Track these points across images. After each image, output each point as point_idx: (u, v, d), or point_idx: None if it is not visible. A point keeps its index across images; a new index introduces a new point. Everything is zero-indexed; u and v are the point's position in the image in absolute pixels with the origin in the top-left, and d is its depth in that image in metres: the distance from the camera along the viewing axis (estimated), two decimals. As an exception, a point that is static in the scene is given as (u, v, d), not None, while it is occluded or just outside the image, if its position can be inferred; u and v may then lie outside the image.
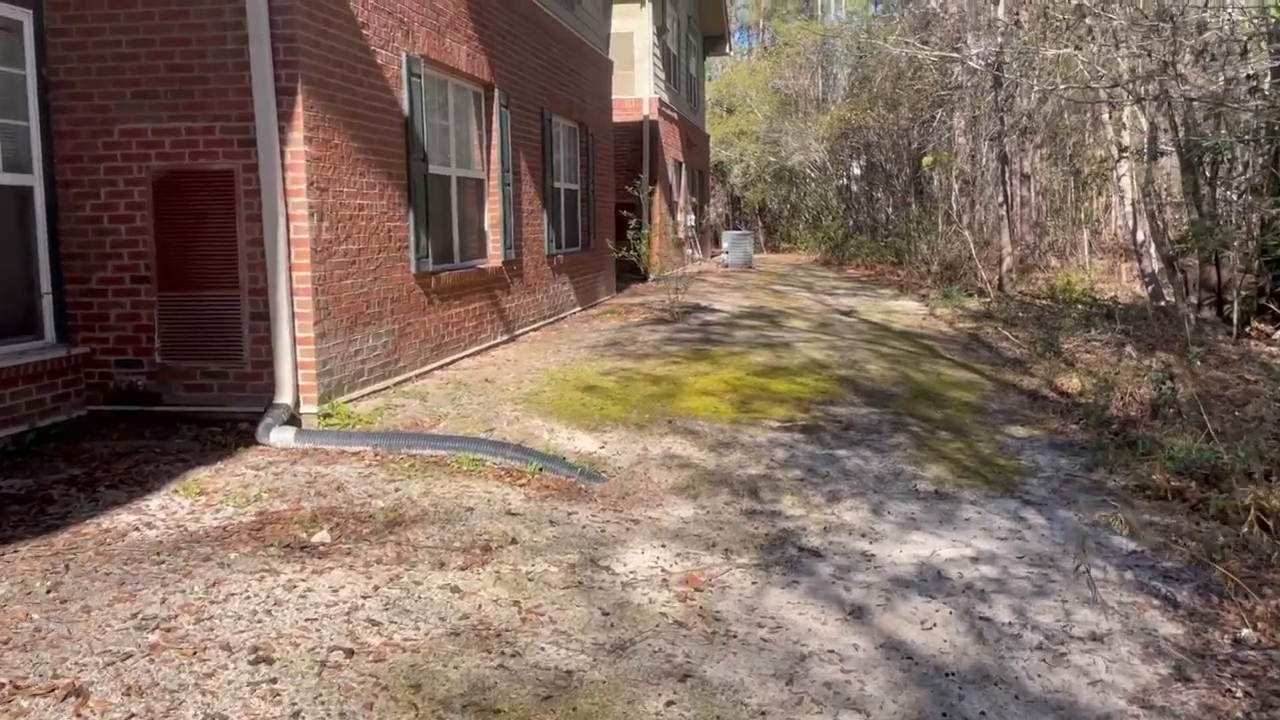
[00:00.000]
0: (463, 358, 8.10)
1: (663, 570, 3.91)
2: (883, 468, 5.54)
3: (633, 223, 12.92)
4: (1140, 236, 12.83)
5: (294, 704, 2.65)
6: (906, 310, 13.13)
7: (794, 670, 3.11)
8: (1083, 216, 19.16)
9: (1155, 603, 3.72)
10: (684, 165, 20.82)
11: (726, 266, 20.41)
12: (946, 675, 3.13)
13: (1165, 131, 11.84)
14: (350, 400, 6.07)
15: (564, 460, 5.34)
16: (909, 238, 20.57)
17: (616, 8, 15.43)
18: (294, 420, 5.61)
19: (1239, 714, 2.94)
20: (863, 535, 4.46)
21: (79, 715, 2.53)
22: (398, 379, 6.82)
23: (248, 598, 3.29)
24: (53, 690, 2.63)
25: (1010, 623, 3.53)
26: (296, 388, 5.68)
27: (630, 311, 11.90)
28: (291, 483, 4.67)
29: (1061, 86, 12.53)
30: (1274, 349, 9.63)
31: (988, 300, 13.52)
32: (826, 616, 3.54)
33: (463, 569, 3.72)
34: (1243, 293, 10.62)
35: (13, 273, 5.51)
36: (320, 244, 5.79)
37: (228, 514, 4.22)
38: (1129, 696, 3.03)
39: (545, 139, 10.66)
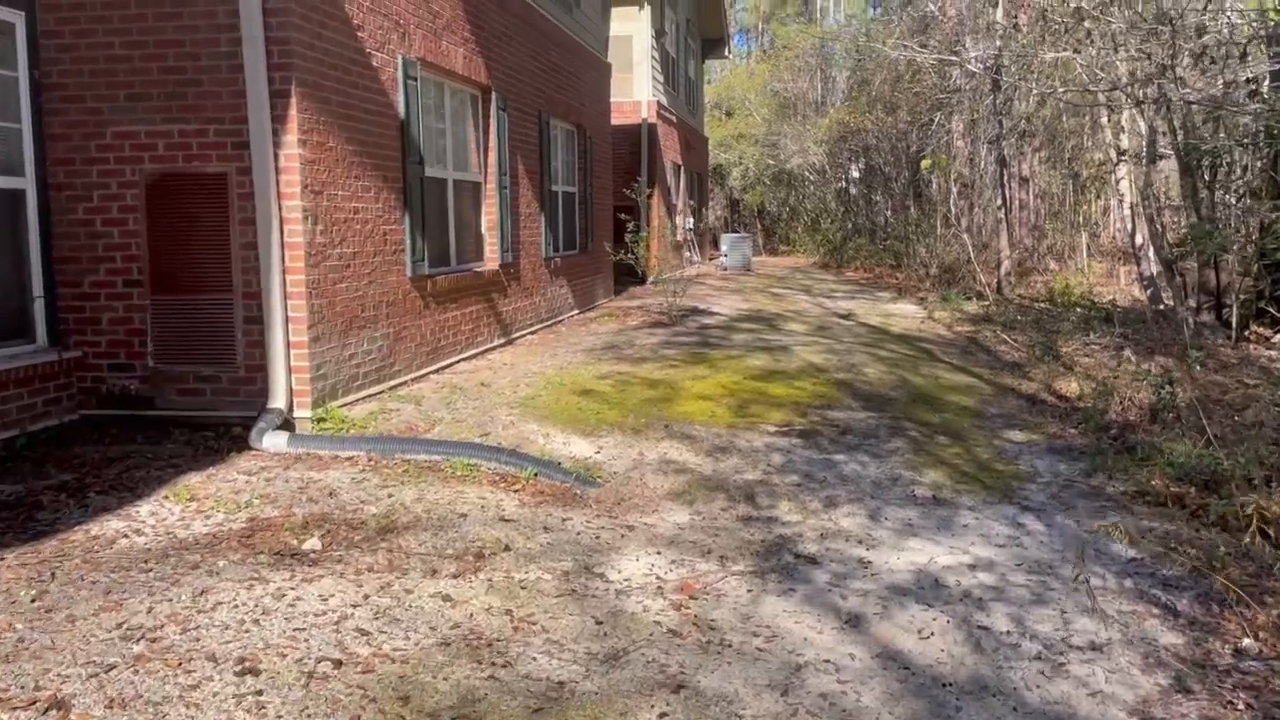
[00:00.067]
0: (459, 361, 8.06)
1: (657, 578, 3.87)
2: (880, 473, 5.50)
3: (631, 225, 12.88)
4: (1139, 240, 12.80)
5: (279, 717, 2.61)
6: (905, 313, 13.09)
7: (789, 681, 3.07)
8: (1081, 220, 19.13)
9: (1155, 611, 3.68)
10: (682, 168, 20.80)
11: (725, 269, 20.38)
12: (944, 686, 3.09)
13: (1164, 135, 11.82)
14: (345, 405, 6.03)
15: (559, 465, 5.30)
16: (907, 241, 20.55)
17: (615, 11, 15.41)
18: (288, 425, 5.57)
19: (1240, 726, 2.90)
20: (860, 542, 4.42)
21: (61, 728, 2.49)
22: (393, 383, 6.78)
23: (236, 607, 3.25)
24: (34, 703, 2.59)
25: (1008, 632, 3.49)
26: (290, 392, 5.64)
27: (628, 314, 11.86)
28: (283, 488, 4.63)
29: (1060, 90, 12.51)
30: (1273, 353, 9.59)
31: (986, 303, 13.49)
32: (823, 625, 3.50)
33: (455, 577, 3.68)
34: (1242, 296, 10.58)
35: (4, 276, 5.47)
36: (314, 247, 5.75)
37: (218, 520, 4.17)
38: (1129, 708, 2.99)
39: (543, 142, 10.63)
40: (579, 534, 4.31)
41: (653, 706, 2.84)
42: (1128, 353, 9.05)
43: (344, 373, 6.11)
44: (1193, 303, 11.77)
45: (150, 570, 3.54)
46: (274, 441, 5.36)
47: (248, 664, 2.85)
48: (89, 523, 4.08)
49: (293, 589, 3.43)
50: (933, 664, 3.23)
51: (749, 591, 3.78)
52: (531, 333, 10.09)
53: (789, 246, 30.61)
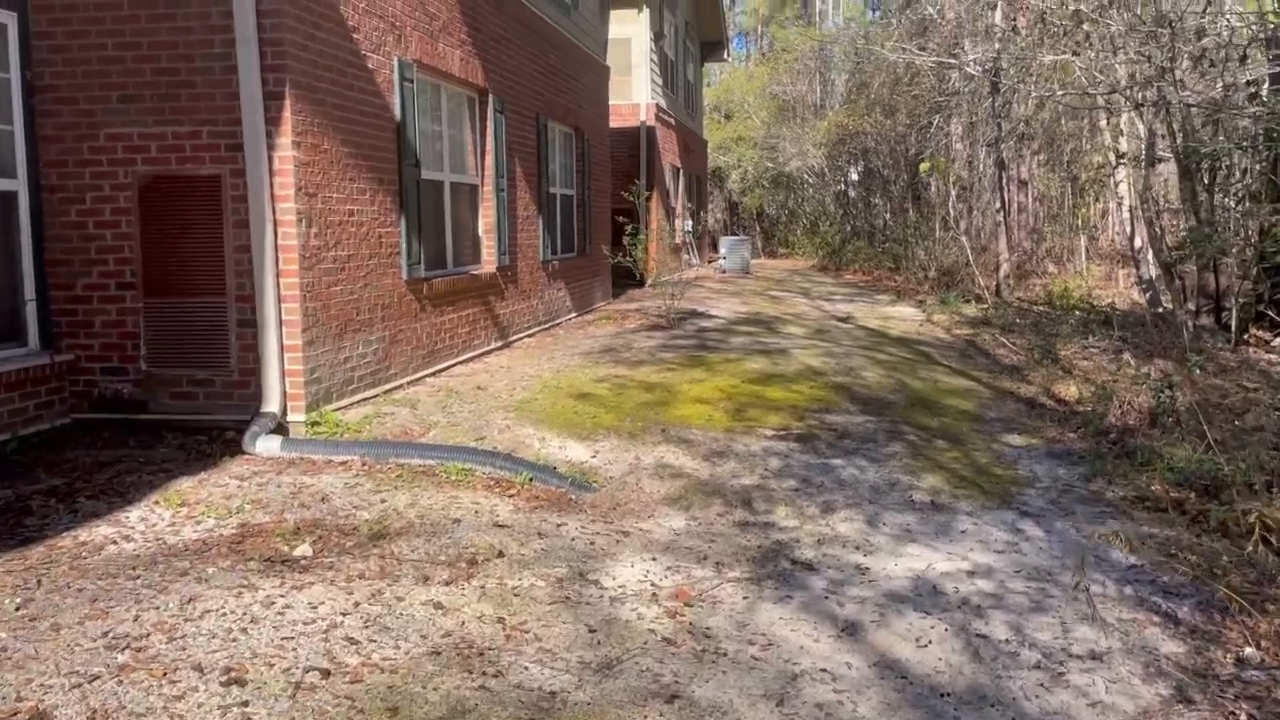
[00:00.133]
0: (455, 364, 8.02)
1: (652, 584, 3.83)
2: (878, 477, 5.46)
3: (629, 228, 12.85)
4: (1138, 243, 12.77)
5: (266, 728, 2.56)
6: (903, 316, 13.06)
7: (785, 690, 3.02)
8: (1080, 223, 19.11)
9: (1155, 620, 3.63)
10: (681, 171, 20.77)
11: (724, 272, 20.34)
12: (942, 696, 3.05)
13: (1163, 138, 11.79)
14: (339, 408, 5.98)
15: (554, 470, 5.26)
16: (906, 243, 20.52)
17: (614, 13, 15.39)
18: (281, 429, 5.53)
19: (1242, 737, 2.86)
20: (857, 548, 4.37)
21: (42, 740, 2.44)
22: (388, 386, 6.74)
23: (223, 615, 3.20)
24: (15, 714, 2.54)
25: (1007, 640, 3.45)
26: (284, 396, 5.59)
27: (626, 317, 11.82)
28: (275, 494, 4.58)
29: (1059, 92, 12.49)
30: (1273, 356, 9.56)
31: (985, 306, 13.45)
32: (819, 633, 3.46)
33: (447, 584, 3.64)
34: (1241, 300, 10.54)
35: (-5, 279, 5.43)
36: (309, 250, 5.71)
37: (208, 526, 4.13)
38: (1130, 719, 2.95)
39: (541, 144, 10.59)
40: (573, 540, 4.26)
41: (645, 717, 2.80)
42: (1127, 356, 9.02)
43: (338, 376, 6.06)
44: (1192, 306, 11.73)
45: (138, 577, 3.50)
46: (267, 446, 5.31)
47: (234, 674, 2.80)
48: (78, 528, 4.03)
49: (282, 596, 3.38)
50: (930, 673, 3.19)
51: (745, 598, 3.74)
52: (529, 336, 10.05)
53: (788, 249, 30.58)
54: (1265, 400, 6.96)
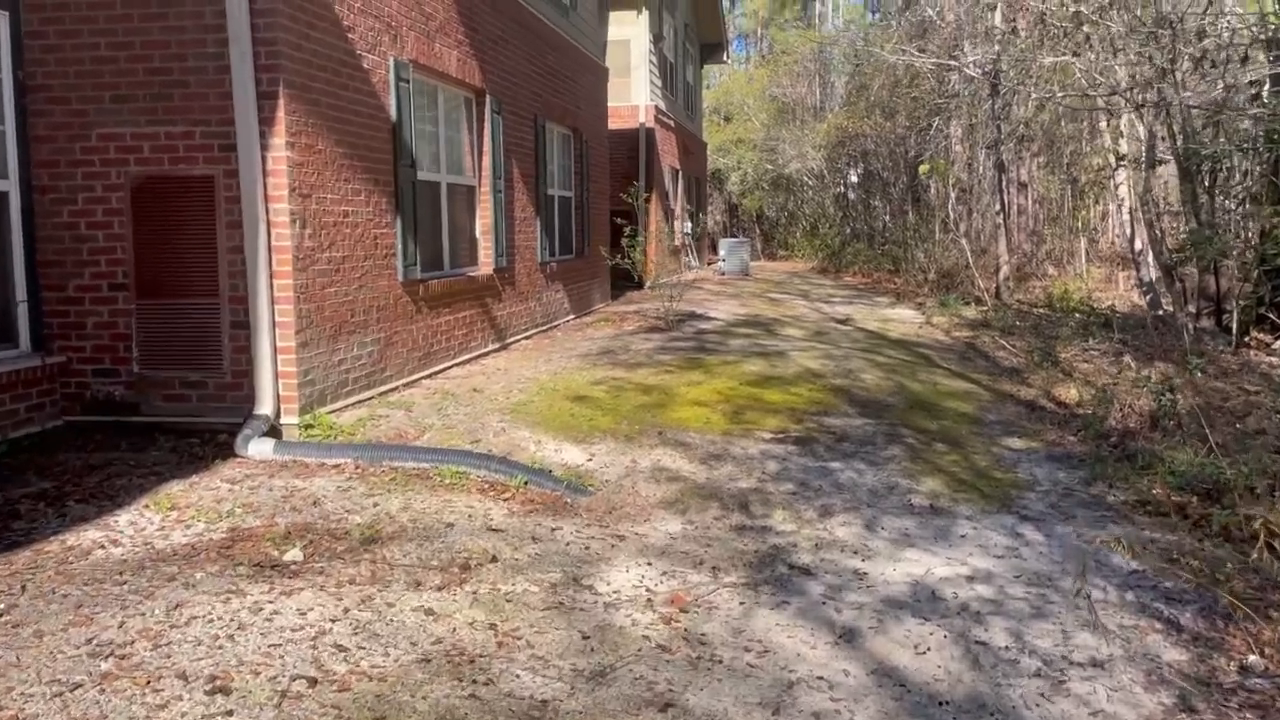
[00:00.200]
0: (452, 367, 7.97)
1: (647, 590, 3.77)
2: (877, 481, 5.41)
3: (628, 230, 12.80)
4: (1138, 245, 12.73)
5: (251, 737, 2.51)
6: (903, 319, 13.01)
7: (781, 699, 2.97)
8: (1080, 225, 19.06)
9: (1158, 626, 3.58)
10: (681, 172, 20.73)
11: (723, 274, 20.30)
12: (940, 705, 2.99)
13: (1163, 139, 11.74)
14: (333, 411, 5.93)
15: (550, 473, 5.21)
16: (906, 246, 20.48)
17: (613, 15, 15.36)
18: (274, 432, 5.48)
19: (1246, 746, 2.80)
20: (855, 552, 4.32)
21: (21, 750, 2.39)
22: (383, 389, 6.69)
23: (210, 621, 3.15)
24: (-6, 723, 2.49)
25: (1007, 647, 3.40)
26: (277, 398, 5.54)
27: (624, 319, 11.77)
28: (267, 497, 4.53)
29: (1059, 94, 12.45)
30: (1274, 359, 9.51)
31: (985, 309, 13.40)
32: (816, 640, 3.41)
33: (439, 589, 3.58)
34: (1242, 302, 10.49)
35: (-15, 280, 5.38)
36: (302, 251, 5.66)
37: (198, 530, 4.08)
38: (1131, 727, 2.90)
39: (539, 145, 10.55)
40: (568, 544, 4.21)
41: (639, 726, 2.75)
42: (1127, 359, 8.96)
43: (333, 378, 6.01)
44: (1192, 308, 11.68)
45: (125, 583, 3.44)
46: (260, 448, 5.26)
47: (219, 682, 2.75)
48: (65, 533, 3.98)
49: (270, 602, 3.33)
50: (929, 681, 3.14)
51: (741, 604, 3.68)
52: (526, 338, 10.00)
53: (787, 251, 30.55)
54: (1267, 403, 6.91)
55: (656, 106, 17.60)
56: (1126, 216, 13.02)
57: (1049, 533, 4.63)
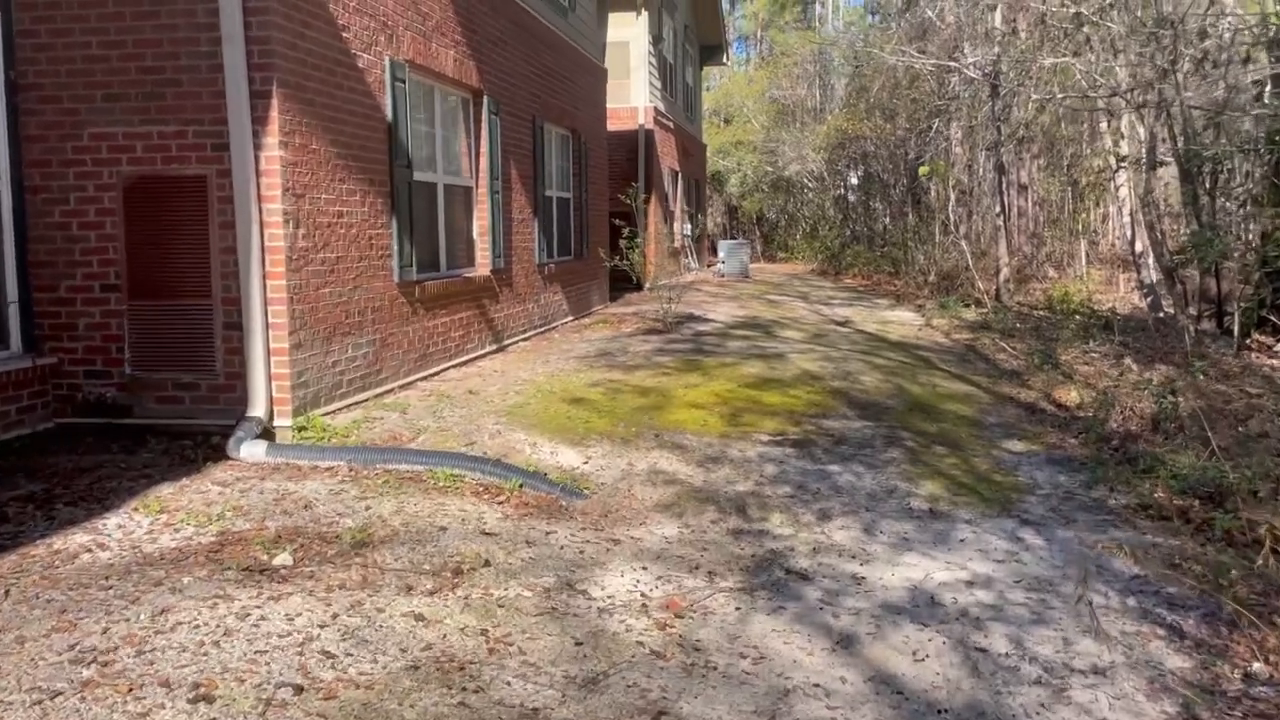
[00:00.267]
0: (448, 368, 7.92)
1: (642, 595, 3.72)
2: (875, 484, 5.35)
3: (627, 232, 12.75)
4: (1139, 247, 12.68)
5: (234, 747, 2.46)
6: (902, 321, 12.96)
7: (776, 707, 2.91)
8: (1080, 227, 19.03)
9: (1160, 632, 3.52)
10: (680, 174, 20.69)
11: (722, 276, 20.25)
12: (939, 713, 2.94)
13: (1164, 141, 11.70)
14: (327, 413, 5.88)
15: (545, 476, 5.15)
16: (906, 248, 20.43)
17: (613, 16, 15.32)
18: (267, 434, 5.42)
19: (1251, 756, 2.75)
20: (853, 557, 4.27)
21: (-2, 760, 2.34)
22: (378, 391, 6.63)
23: (196, 627, 3.09)
24: (-29, 733, 2.44)
25: (1007, 654, 3.34)
26: (270, 400, 5.49)
27: (623, 321, 11.72)
28: (258, 500, 4.47)
29: (1059, 95, 12.41)
30: (1276, 362, 9.46)
31: (985, 311, 13.35)
32: (813, 646, 3.35)
33: (430, 594, 3.53)
34: (1243, 304, 10.44)
35: (-24, 280, 5.33)
36: (296, 252, 5.61)
37: (187, 534, 4.02)
38: (1134, 736, 2.84)
39: (536, 146, 10.50)
40: (563, 548, 4.16)
41: (631, 735, 2.69)
42: (1128, 361, 8.91)
43: (327, 380, 5.96)
44: (1193, 310, 11.63)
45: (110, 587, 3.39)
46: (252, 451, 5.20)
47: (203, 690, 2.70)
48: (52, 536, 3.92)
49: (258, 607, 3.28)
50: (928, 689, 3.08)
51: (737, 609, 3.63)
52: (524, 339, 9.94)
53: (787, 253, 30.51)
54: (1269, 406, 6.86)
55: (656, 108, 17.56)
56: (1127, 218, 12.98)
57: (1050, 537, 4.57)
